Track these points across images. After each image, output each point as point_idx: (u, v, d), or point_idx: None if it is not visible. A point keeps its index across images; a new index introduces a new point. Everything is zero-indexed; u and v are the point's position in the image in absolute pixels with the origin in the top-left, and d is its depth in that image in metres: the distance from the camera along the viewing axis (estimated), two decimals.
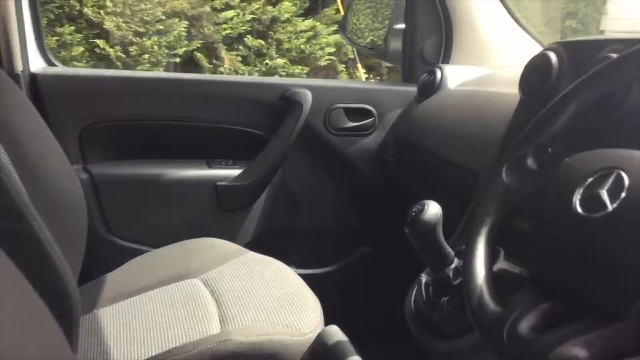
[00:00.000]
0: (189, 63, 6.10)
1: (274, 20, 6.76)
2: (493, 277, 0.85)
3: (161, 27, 5.84)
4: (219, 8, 6.27)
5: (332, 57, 7.55)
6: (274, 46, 6.82)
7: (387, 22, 2.70)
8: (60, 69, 1.89)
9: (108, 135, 1.82)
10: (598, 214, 0.70)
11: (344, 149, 1.94)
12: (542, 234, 0.80)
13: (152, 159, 1.87)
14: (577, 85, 0.86)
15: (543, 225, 0.80)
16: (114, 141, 1.84)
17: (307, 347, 1.20)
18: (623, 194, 0.69)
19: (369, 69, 8.19)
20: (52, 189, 1.07)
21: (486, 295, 0.82)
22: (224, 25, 6.32)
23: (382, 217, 1.98)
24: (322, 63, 7.40)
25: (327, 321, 1.29)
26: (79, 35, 5.45)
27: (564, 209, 0.75)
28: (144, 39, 5.77)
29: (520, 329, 0.72)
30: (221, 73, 6.21)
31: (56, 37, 5.32)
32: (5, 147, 0.83)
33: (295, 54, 7.08)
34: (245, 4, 6.38)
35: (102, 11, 5.54)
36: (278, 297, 1.29)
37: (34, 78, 1.73)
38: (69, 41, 5.37)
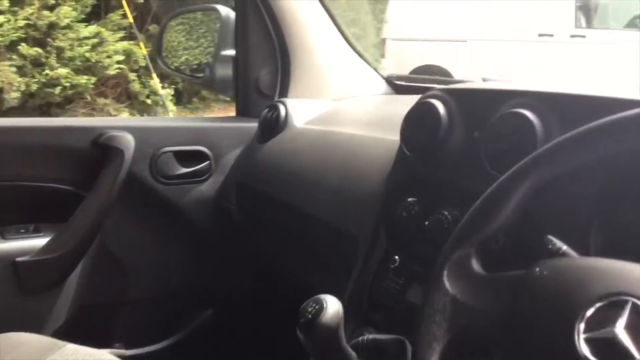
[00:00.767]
0: None
1: (52, 26, 6.05)
2: None
3: None
4: None
5: (121, 66, 7.02)
6: (54, 54, 6.12)
7: (202, 40, 2.43)
8: None
9: None
10: None
11: (176, 200, 1.64)
12: None
13: None
14: (536, 157, 0.68)
15: None
16: None
17: None
18: None
19: (163, 77, 7.76)
20: None
21: None
22: None
23: (228, 274, 1.72)
24: (111, 72, 6.84)
25: None
26: None
27: (561, 352, 0.57)
28: None
29: None
30: None
31: None
32: None
33: (79, 63, 6.43)
34: (17, 8, 5.59)
35: None
36: None
37: None
38: None
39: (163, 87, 7.49)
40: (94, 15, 6.86)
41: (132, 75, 7.25)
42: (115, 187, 1.50)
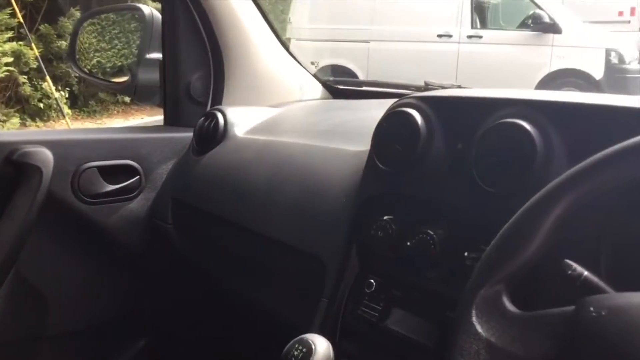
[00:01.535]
0: None
1: None
2: None
3: None
4: None
5: (10, 68, 6.54)
6: None
7: (115, 41, 2.25)
8: None
9: None
10: None
11: (103, 221, 1.47)
12: None
13: None
14: (574, 175, 0.61)
15: None
16: None
17: None
18: None
19: (57, 79, 7.31)
20: None
21: None
22: None
23: (163, 300, 1.57)
24: None
25: None
26: None
27: None
28: None
29: None
30: None
31: None
32: None
33: None
34: None
35: None
36: None
37: None
38: None
39: (57, 90, 7.04)
40: None
41: (22, 78, 6.77)
42: (33, 210, 1.31)
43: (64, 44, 7.00)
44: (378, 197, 0.99)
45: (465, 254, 0.85)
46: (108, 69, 2.15)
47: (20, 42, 6.51)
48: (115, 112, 8.84)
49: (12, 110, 6.71)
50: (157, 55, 1.64)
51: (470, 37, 8.51)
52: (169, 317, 1.57)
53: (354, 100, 1.58)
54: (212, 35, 1.58)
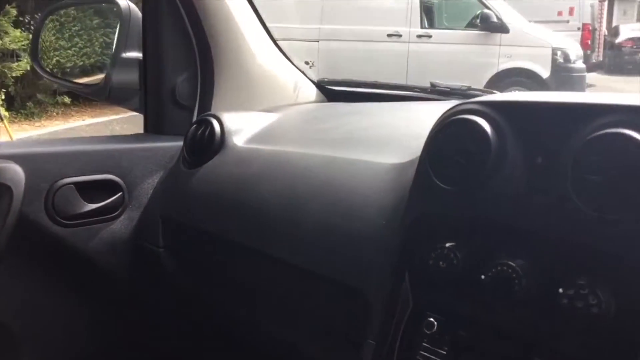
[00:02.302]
0: None
1: None
2: None
3: None
4: None
5: None
6: None
7: (76, 39, 2.03)
8: None
9: None
10: None
11: (82, 245, 1.27)
12: None
13: None
14: None
15: None
16: None
17: None
18: None
19: None
20: None
21: None
22: None
23: (155, 332, 1.38)
24: None
25: None
26: None
27: None
28: None
29: None
30: None
31: None
32: None
33: None
34: None
35: None
36: None
37: None
38: None
39: None
40: None
41: None
42: (2, 235, 1.12)
43: None
44: (432, 221, 0.85)
45: (560, 290, 0.71)
46: (67, 69, 1.93)
47: None
48: (55, 114, 8.41)
49: None
50: (136, 55, 1.45)
51: (419, 36, 8.52)
52: (159, 354, 1.38)
53: (358, 104, 1.44)
54: (200, 32, 1.41)
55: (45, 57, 1.67)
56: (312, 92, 1.61)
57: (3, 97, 7.12)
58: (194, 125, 1.32)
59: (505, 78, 8.20)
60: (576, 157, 0.71)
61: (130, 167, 1.32)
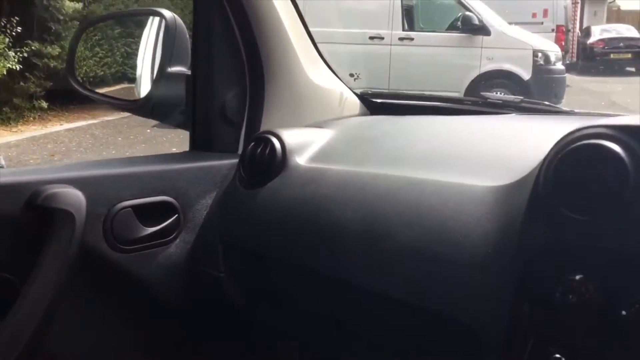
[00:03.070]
0: None
1: None
2: None
3: None
4: None
5: None
6: None
7: (97, 49, 1.95)
8: None
9: None
10: None
11: (138, 271, 1.20)
12: None
13: None
14: None
15: None
16: None
17: None
18: None
19: None
20: None
21: None
22: None
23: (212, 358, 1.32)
24: None
25: None
26: None
27: None
28: None
29: None
30: None
31: None
32: None
33: None
34: None
35: None
36: None
37: None
38: None
39: None
40: None
41: None
42: (65, 266, 1.05)
43: None
44: (557, 251, 0.81)
45: None
46: (90, 79, 1.85)
47: None
48: (32, 118, 8.20)
49: None
50: (181, 69, 1.39)
51: (402, 39, 8.54)
52: None
53: (417, 117, 1.40)
54: (251, 46, 1.35)
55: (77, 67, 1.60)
56: (356, 104, 1.57)
57: None
58: (252, 143, 1.26)
59: (488, 80, 8.26)
60: None
61: (185, 187, 1.26)
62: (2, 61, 6.98)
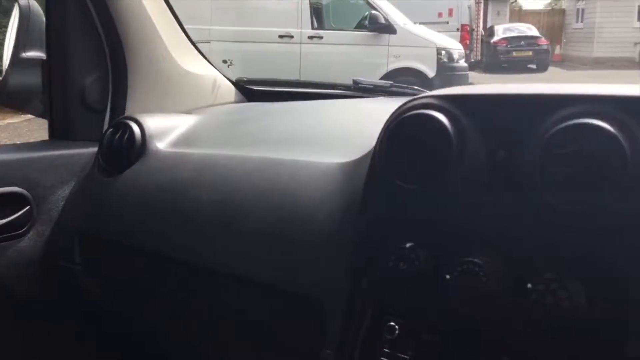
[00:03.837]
0: None
1: None
2: None
3: None
4: None
5: None
6: None
7: None
8: None
9: None
10: None
11: None
12: None
13: None
14: None
15: None
16: None
17: None
18: None
19: None
20: None
21: None
22: None
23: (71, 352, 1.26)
24: None
25: None
26: None
27: None
28: None
29: None
30: None
31: None
32: None
33: None
34: None
35: None
36: None
37: None
38: None
39: None
40: None
41: None
42: None
43: None
44: (390, 222, 0.82)
45: (529, 285, 0.70)
46: None
47: None
48: None
49: None
50: (38, 54, 1.32)
51: (311, 37, 8.57)
52: None
53: (285, 103, 1.39)
54: (110, 30, 1.30)
55: None
56: (231, 92, 1.54)
57: None
58: (110, 129, 1.22)
59: (394, 78, 8.42)
60: (542, 150, 0.70)
61: (37, 177, 1.20)
62: None
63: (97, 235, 1.17)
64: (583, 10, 18.27)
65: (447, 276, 0.75)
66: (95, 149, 1.26)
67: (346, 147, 0.98)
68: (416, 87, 1.51)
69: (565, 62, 18.11)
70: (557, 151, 0.69)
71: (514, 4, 21.84)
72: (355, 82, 1.51)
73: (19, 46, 1.31)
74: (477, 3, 14.19)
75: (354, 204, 0.87)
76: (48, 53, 1.30)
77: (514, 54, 15.50)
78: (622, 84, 0.74)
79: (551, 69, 15.79)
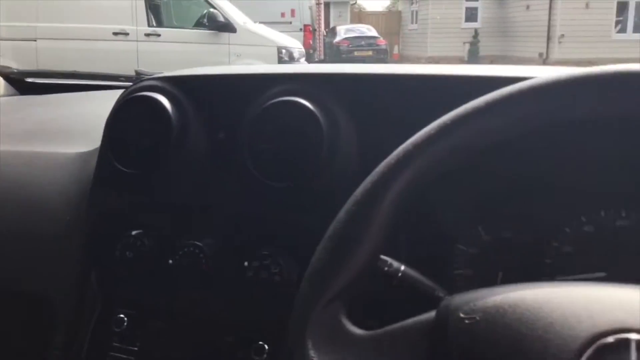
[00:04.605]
0: None
1: None
2: None
3: None
4: None
5: None
6: None
7: None
8: None
9: None
10: None
11: None
12: None
13: None
14: (409, 150, 0.49)
15: None
16: None
17: None
18: None
19: None
20: None
21: None
22: None
23: None
24: None
25: None
26: None
27: None
28: None
29: None
30: None
31: None
32: None
33: None
34: None
35: None
36: None
37: None
38: None
39: None
40: None
41: None
42: None
43: None
44: (118, 209, 0.79)
45: (245, 263, 0.71)
46: None
47: None
48: None
49: None
50: None
51: (148, 35, 8.30)
52: None
53: (52, 95, 1.31)
54: None
55: None
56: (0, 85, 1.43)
57: None
58: None
59: None
60: (251, 127, 0.71)
61: None
62: None
63: None
64: (417, 12, 19.38)
65: (170, 261, 0.74)
66: None
67: (87, 135, 0.93)
68: None
69: (403, 61, 19.12)
70: (264, 128, 0.70)
71: (354, 5, 22.68)
72: (137, 72, 1.46)
73: None
74: (318, 4, 14.55)
75: (87, 194, 0.83)
76: None
77: (355, 53, 16.09)
78: None
79: None
